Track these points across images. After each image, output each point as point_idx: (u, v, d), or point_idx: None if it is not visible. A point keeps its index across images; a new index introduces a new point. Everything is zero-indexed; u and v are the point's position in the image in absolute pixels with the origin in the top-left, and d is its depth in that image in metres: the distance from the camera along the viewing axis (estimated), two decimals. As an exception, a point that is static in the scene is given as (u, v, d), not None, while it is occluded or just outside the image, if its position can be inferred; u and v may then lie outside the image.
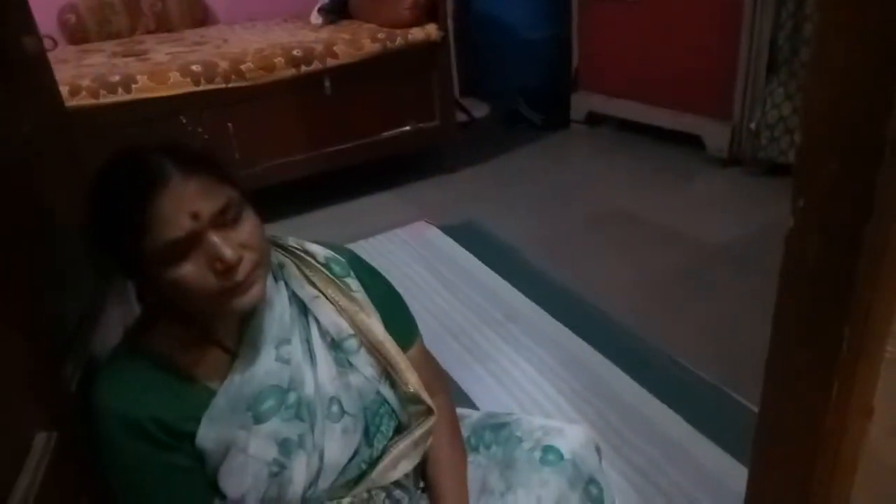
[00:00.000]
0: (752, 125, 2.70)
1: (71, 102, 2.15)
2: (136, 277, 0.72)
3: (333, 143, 2.74)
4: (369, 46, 2.68)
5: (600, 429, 1.46)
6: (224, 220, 0.69)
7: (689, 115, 2.97)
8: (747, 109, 2.71)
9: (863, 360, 0.65)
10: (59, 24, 3.18)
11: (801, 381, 0.70)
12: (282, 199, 2.65)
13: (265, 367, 0.77)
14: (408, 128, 2.90)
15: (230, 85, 2.44)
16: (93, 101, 2.21)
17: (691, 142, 3.00)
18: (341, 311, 0.83)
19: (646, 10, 3.01)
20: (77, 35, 3.19)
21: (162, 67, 2.38)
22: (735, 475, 1.28)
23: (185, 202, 0.66)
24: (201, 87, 2.39)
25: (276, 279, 0.82)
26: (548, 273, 2.17)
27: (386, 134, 2.86)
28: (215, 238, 0.67)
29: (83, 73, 2.31)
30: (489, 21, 3.72)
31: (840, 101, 0.54)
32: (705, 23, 2.77)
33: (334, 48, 2.62)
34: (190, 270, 0.67)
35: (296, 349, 0.79)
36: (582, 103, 3.56)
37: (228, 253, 0.67)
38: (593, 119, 3.56)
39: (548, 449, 0.90)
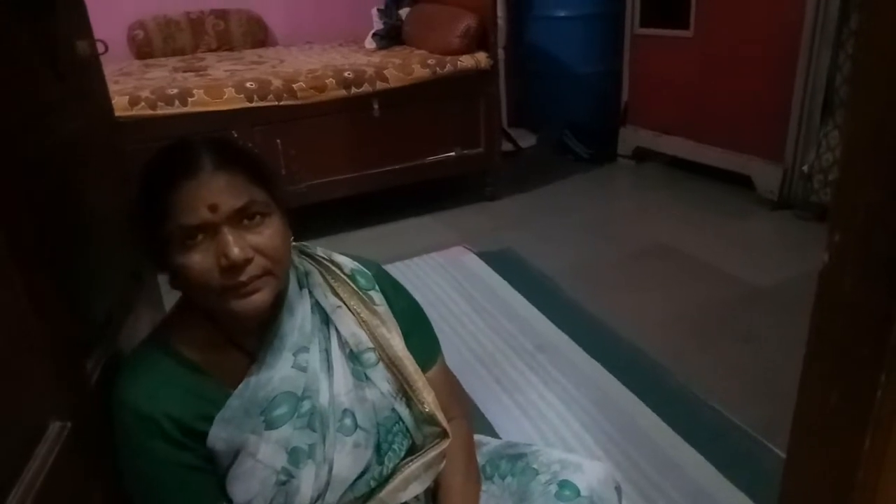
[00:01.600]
0: (805, 168, 2.63)
1: (130, 112, 2.25)
2: (159, 262, 0.73)
3: (378, 165, 2.78)
4: (419, 71, 2.72)
5: (624, 468, 1.41)
6: (243, 219, 0.70)
7: (739, 155, 2.91)
8: (800, 152, 2.64)
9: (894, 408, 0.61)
10: (128, 39, 3.35)
11: (831, 429, 0.67)
12: (325, 216, 2.70)
13: (282, 372, 0.77)
14: (453, 153, 2.93)
15: (282, 103, 2.51)
16: (150, 112, 2.30)
17: (740, 182, 2.93)
18: (362, 323, 0.83)
19: (698, 46, 2.98)
20: (144, 50, 3.34)
21: (218, 83, 2.47)
22: (765, 528, 1.22)
23: (208, 193, 0.68)
24: (254, 104, 2.46)
25: (300, 286, 0.82)
26: (583, 305, 2.13)
27: (431, 158, 2.89)
28: (228, 234, 0.68)
29: (144, 86, 2.42)
30: (541, 53, 3.74)
31: (879, 134, 0.52)
32: (759, 61, 2.73)
33: (385, 72, 2.67)
34: (196, 260, 0.68)
35: (314, 357, 0.79)
36: (630, 138, 3.53)
37: (235, 251, 0.68)
38: (641, 155, 3.53)
39: (564, 484, 0.87)
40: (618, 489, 0.93)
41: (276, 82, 2.51)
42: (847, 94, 2.42)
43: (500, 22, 3.22)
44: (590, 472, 0.89)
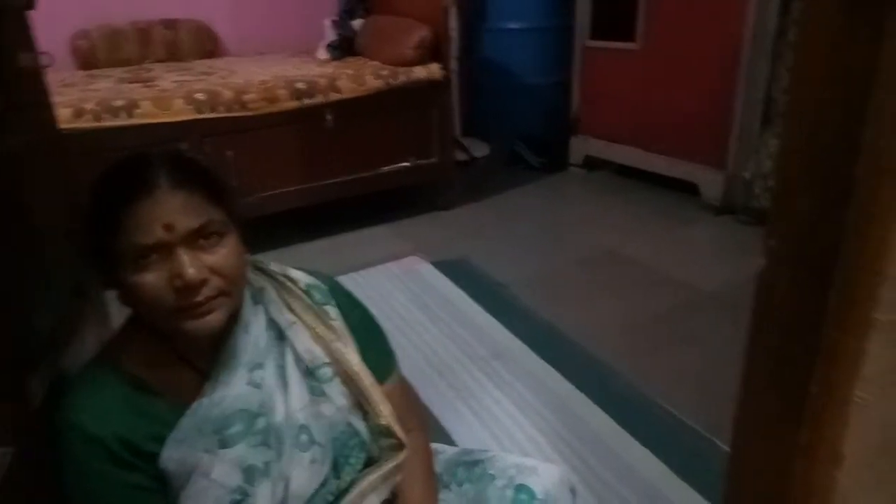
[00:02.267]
0: (746, 175, 2.73)
1: (74, 125, 2.19)
2: (110, 280, 0.71)
3: (331, 176, 2.77)
4: (372, 82, 2.73)
5: (579, 470, 1.44)
6: (200, 239, 0.69)
7: (684, 163, 3.01)
8: (741, 159, 2.75)
9: (832, 405, 0.64)
10: (72, 49, 3.25)
11: (770, 425, 0.70)
12: (277, 228, 2.67)
13: (236, 390, 0.76)
14: (406, 164, 2.94)
15: (233, 114, 2.48)
16: (95, 125, 2.25)
17: (686, 189, 3.03)
18: (318, 338, 0.83)
19: (644, 59, 3.07)
20: (88, 61, 3.25)
21: (166, 94, 2.42)
22: (714, 524, 1.26)
23: (164, 213, 0.67)
24: (204, 115, 2.43)
25: (254, 303, 0.82)
26: (537, 312, 2.16)
27: (384, 169, 2.90)
28: (183, 254, 0.68)
29: (88, 97, 2.35)
30: (493, 64, 3.79)
31: (811, 144, 0.55)
32: (702, 73, 2.83)
33: (338, 83, 2.67)
34: (150, 280, 0.67)
35: (269, 374, 0.79)
36: (580, 148, 3.60)
37: (191, 272, 0.67)
38: (591, 163, 3.61)
39: (520, 488, 0.89)
40: (573, 491, 0.95)
41: (227, 93, 2.48)
42: (784, 104, 2.54)
43: (453, 34, 3.26)
44: (545, 476, 0.91)
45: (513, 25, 3.63)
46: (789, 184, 0.56)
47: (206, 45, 3.59)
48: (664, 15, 2.95)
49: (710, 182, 2.89)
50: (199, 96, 2.43)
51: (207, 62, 3.35)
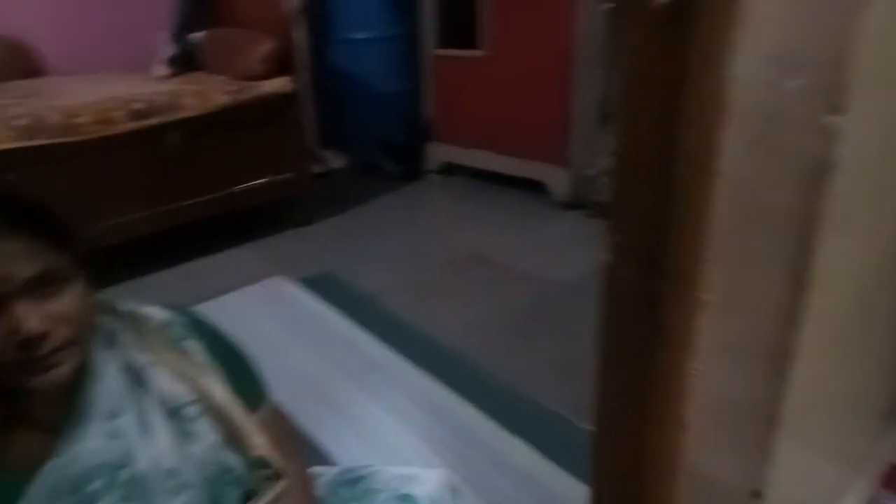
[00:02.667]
0: (590, 171, 2.94)
1: None
2: None
3: (181, 199, 2.62)
4: (219, 99, 2.62)
5: (459, 470, 1.48)
6: (40, 287, 0.64)
7: (534, 163, 3.18)
8: (584, 157, 2.96)
9: (673, 378, 0.72)
10: None
11: (624, 401, 0.77)
12: (127, 258, 2.48)
13: (92, 444, 0.70)
14: (261, 180, 2.85)
15: (62, 140, 2.27)
16: None
17: (538, 188, 3.20)
18: (180, 376, 0.79)
19: (490, 65, 3.21)
20: None
21: (-22, 121, 2.17)
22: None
23: None
24: (28, 143, 2.20)
25: (106, 347, 0.76)
26: (407, 320, 2.19)
27: (238, 187, 2.79)
28: (21, 307, 0.62)
29: None
30: (344, 74, 3.78)
31: (638, 149, 0.62)
32: (543, 77, 3.01)
33: (180, 101, 2.53)
34: None
35: (128, 422, 0.74)
36: (437, 154, 3.69)
37: (32, 325, 0.61)
38: (448, 169, 3.70)
39: (404, 497, 0.90)
40: (455, 491, 0.97)
41: (55, 117, 2.26)
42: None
43: (301, 45, 3.21)
44: (427, 481, 0.93)
45: (359, 35, 3.64)
46: (623, 184, 0.62)
47: (23, 63, 3.26)
48: (506, 23, 3.10)
49: (558, 180, 3.08)
50: (21, 122, 2.20)
51: (27, 83, 3.04)
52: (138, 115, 2.42)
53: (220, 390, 0.81)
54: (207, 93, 2.61)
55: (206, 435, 0.78)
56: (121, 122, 2.38)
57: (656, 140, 0.54)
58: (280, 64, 2.80)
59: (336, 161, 3.95)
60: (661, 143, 0.53)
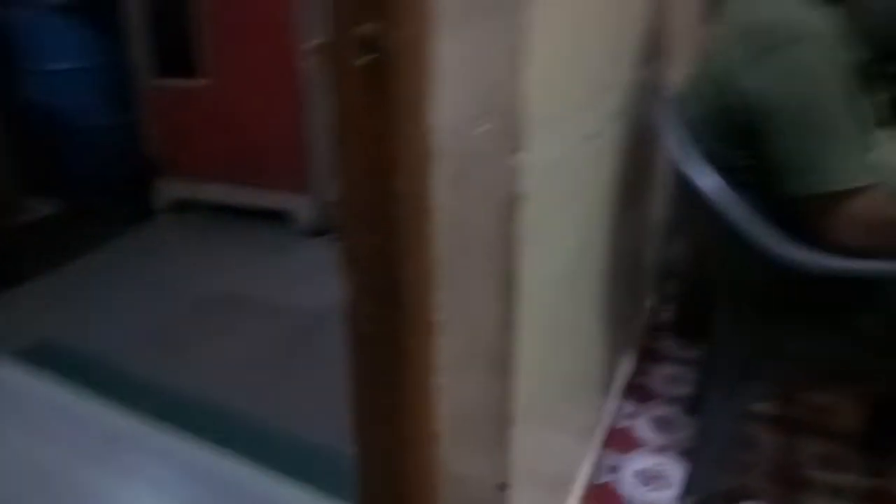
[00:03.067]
0: (330, 197, 2.99)
1: None
2: None
3: None
4: None
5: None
6: None
7: (274, 192, 3.13)
8: (323, 184, 2.99)
9: (420, 395, 0.77)
10: None
11: (380, 422, 0.80)
12: None
13: None
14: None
15: None
16: None
17: (281, 217, 3.16)
18: None
19: (215, 94, 3.08)
20: None
21: None
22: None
23: None
24: None
25: None
26: (152, 377, 1.99)
27: None
28: None
29: None
30: (44, 109, 3.32)
31: (359, 193, 0.65)
32: (276, 105, 2.97)
33: None
34: None
35: None
36: (167, 191, 3.43)
37: None
38: (182, 206, 3.46)
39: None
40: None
41: None
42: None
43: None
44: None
45: (58, 66, 3.24)
46: (350, 226, 0.66)
47: None
48: (228, 50, 2.99)
49: (301, 208, 3.07)
50: None
51: None
52: None
53: None
54: None
55: None
56: None
57: (373, 184, 0.58)
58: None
59: (46, 208, 3.45)
60: (378, 186, 0.57)
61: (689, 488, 1.46)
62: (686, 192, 1.17)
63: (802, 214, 1.03)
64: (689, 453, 1.58)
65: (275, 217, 3.18)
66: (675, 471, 1.56)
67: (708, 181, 1.10)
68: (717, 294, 1.44)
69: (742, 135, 1.07)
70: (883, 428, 1.60)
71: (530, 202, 0.62)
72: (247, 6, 2.90)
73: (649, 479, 1.54)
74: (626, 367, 1.83)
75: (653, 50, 1.44)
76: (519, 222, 0.61)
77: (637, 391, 1.86)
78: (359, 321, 0.72)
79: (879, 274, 1.01)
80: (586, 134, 0.94)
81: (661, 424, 1.73)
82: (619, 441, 1.66)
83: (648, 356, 2.02)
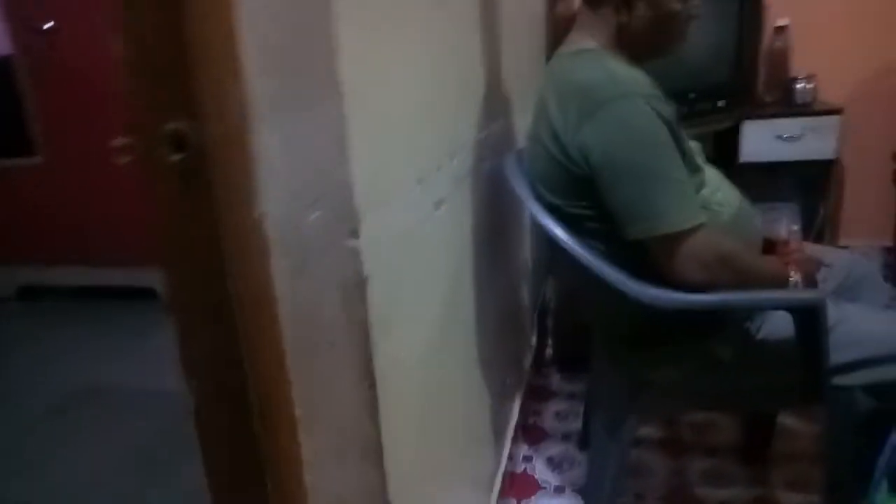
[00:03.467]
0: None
1: None
2: None
3: None
4: None
5: None
6: None
7: (137, 269, 2.91)
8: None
9: (288, 496, 0.71)
10: None
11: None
12: None
13: None
14: None
15: None
16: None
17: (149, 295, 2.94)
18: None
19: (54, 172, 2.85)
20: None
21: None
22: None
23: None
24: None
25: None
26: (10, 495, 1.76)
27: None
28: None
29: None
30: None
31: (192, 295, 0.60)
32: (119, 182, 2.77)
33: None
34: None
35: None
36: (10, 278, 3.11)
37: None
38: (30, 293, 3.15)
39: None
40: None
41: None
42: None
43: None
44: None
45: None
46: (186, 332, 0.61)
47: None
48: (63, 129, 2.79)
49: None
50: None
51: None
52: None
53: None
54: None
55: None
56: None
57: (207, 284, 0.53)
58: None
59: None
60: (213, 286, 0.53)
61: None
62: (545, 238, 1.20)
63: (649, 255, 1.09)
64: (584, 489, 1.60)
65: (140, 295, 2.96)
66: (575, 511, 1.57)
67: (559, 230, 1.15)
68: (592, 330, 1.49)
69: (581, 187, 1.13)
70: (759, 439, 1.70)
71: (379, 281, 0.60)
72: (83, 78, 2.72)
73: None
74: (515, 407, 1.84)
75: (496, 107, 1.49)
76: (366, 305, 0.59)
77: (530, 432, 1.87)
78: (210, 432, 0.66)
79: (720, 305, 1.09)
80: (434, 201, 0.95)
81: (557, 464, 1.74)
82: (519, 486, 1.66)
83: (536, 394, 2.05)
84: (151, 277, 2.88)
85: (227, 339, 0.58)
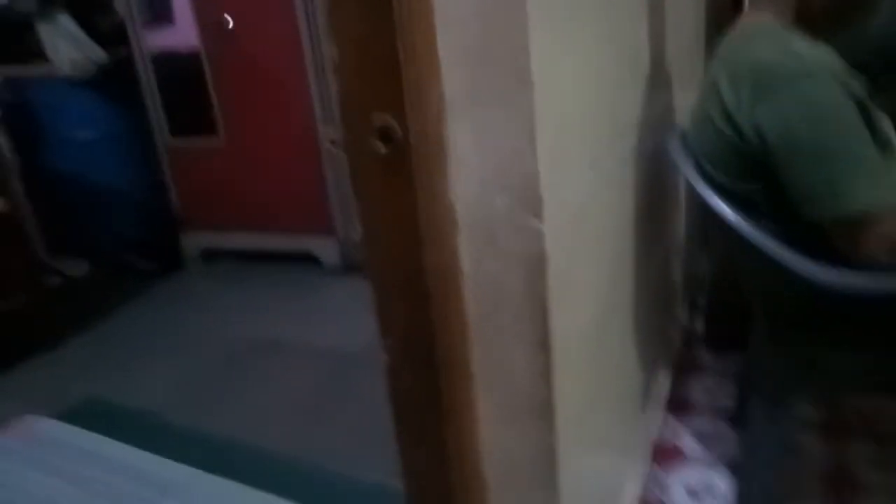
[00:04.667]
0: (356, 236, 3.03)
1: None
2: None
3: None
4: None
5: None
6: None
7: (299, 236, 3.19)
8: (347, 224, 3.04)
9: (464, 446, 0.79)
10: None
11: (428, 478, 0.82)
12: None
13: None
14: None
15: None
16: None
17: (309, 259, 3.20)
18: None
19: (232, 149, 3.17)
20: None
21: None
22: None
23: None
24: None
25: None
26: (196, 428, 2.04)
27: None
28: None
29: None
30: (71, 176, 3.43)
31: (390, 267, 0.68)
32: (291, 156, 3.05)
33: None
34: None
35: None
36: (194, 243, 3.51)
37: None
38: (209, 256, 3.54)
39: None
40: None
41: None
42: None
43: (7, 155, 2.86)
44: None
45: (81, 134, 3.35)
46: (383, 297, 0.69)
47: None
48: (242, 111, 3.10)
49: (328, 249, 3.13)
50: None
51: None
52: None
53: None
54: None
55: None
56: None
57: (404, 259, 0.61)
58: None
59: (77, 269, 3.55)
60: (409, 260, 0.60)
61: (740, 502, 1.45)
62: (710, 217, 1.18)
63: (827, 237, 1.04)
64: (736, 467, 1.57)
65: (301, 259, 3.23)
66: (723, 484, 1.55)
67: (730, 211, 1.12)
68: (753, 310, 1.44)
69: (752, 166, 1.10)
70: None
71: (556, 258, 0.64)
72: (258, 70, 3.00)
73: (698, 493, 1.54)
74: (664, 380, 1.83)
75: (659, 87, 1.47)
76: (545, 279, 0.63)
77: (678, 404, 1.85)
78: (400, 385, 0.74)
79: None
80: (605, 181, 0.97)
81: (706, 437, 1.72)
82: (666, 456, 1.66)
83: (686, 369, 2.02)
84: (314, 243, 3.14)
85: (419, 304, 0.65)
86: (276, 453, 1.87)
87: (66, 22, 3.05)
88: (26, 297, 2.60)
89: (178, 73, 3.22)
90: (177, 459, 1.88)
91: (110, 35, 3.22)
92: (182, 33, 3.12)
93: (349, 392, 2.16)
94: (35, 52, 3.10)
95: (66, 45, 3.04)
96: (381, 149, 0.55)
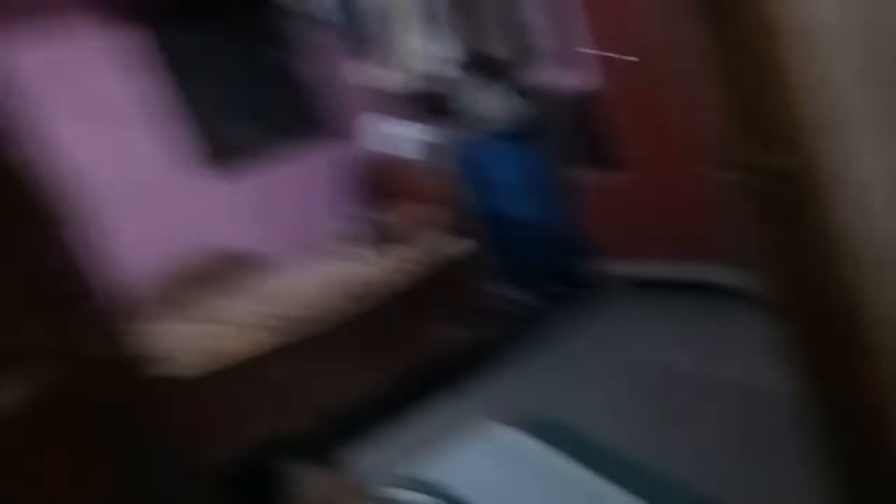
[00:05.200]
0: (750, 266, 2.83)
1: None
2: None
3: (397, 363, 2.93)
4: (419, 269, 2.99)
5: None
6: None
7: (702, 265, 3.18)
8: (744, 252, 2.86)
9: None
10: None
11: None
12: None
13: None
14: (450, 335, 3.08)
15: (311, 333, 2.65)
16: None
17: (709, 290, 3.12)
18: None
19: (636, 184, 3.37)
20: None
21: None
22: None
23: None
24: (286, 341, 2.62)
25: None
26: (637, 454, 2.11)
27: (437, 339, 3.05)
28: None
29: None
30: (506, 216, 4.00)
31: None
32: (690, 195, 3.06)
33: (391, 277, 2.90)
34: None
35: None
36: (605, 273, 3.78)
37: None
38: (620, 285, 3.75)
39: None
40: None
41: (296, 312, 2.67)
42: None
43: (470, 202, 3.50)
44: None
45: (511, 180, 3.90)
46: (797, 332, 0.68)
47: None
48: (645, 148, 3.25)
49: (732, 278, 2.96)
50: (272, 322, 2.61)
51: (244, 283, 3.33)
52: (360, 296, 2.81)
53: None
54: (407, 265, 2.97)
55: None
56: (347, 305, 2.76)
57: (817, 296, 0.62)
58: (456, 228, 3.15)
59: (515, 297, 4.05)
60: (821, 297, 0.61)
61: None
62: None
63: None
64: None
65: (700, 289, 3.17)
66: None
67: None
68: None
69: None
70: None
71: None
72: (660, 111, 3.09)
73: None
74: None
75: None
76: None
77: None
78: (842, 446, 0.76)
79: None
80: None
81: None
82: None
83: None
84: (718, 272, 3.07)
85: (835, 343, 0.65)
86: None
87: (492, 83, 3.60)
88: (485, 322, 3.18)
89: (582, 112, 3.53)
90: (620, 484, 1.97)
91: (526, 88, 3.67)
92: (583, 73, 3.40)
93: (786, 447, 2.00)
94: (464, 112, 3.67)
95: (494, 104, 3.59)
96: (779, 189, 0.59)
